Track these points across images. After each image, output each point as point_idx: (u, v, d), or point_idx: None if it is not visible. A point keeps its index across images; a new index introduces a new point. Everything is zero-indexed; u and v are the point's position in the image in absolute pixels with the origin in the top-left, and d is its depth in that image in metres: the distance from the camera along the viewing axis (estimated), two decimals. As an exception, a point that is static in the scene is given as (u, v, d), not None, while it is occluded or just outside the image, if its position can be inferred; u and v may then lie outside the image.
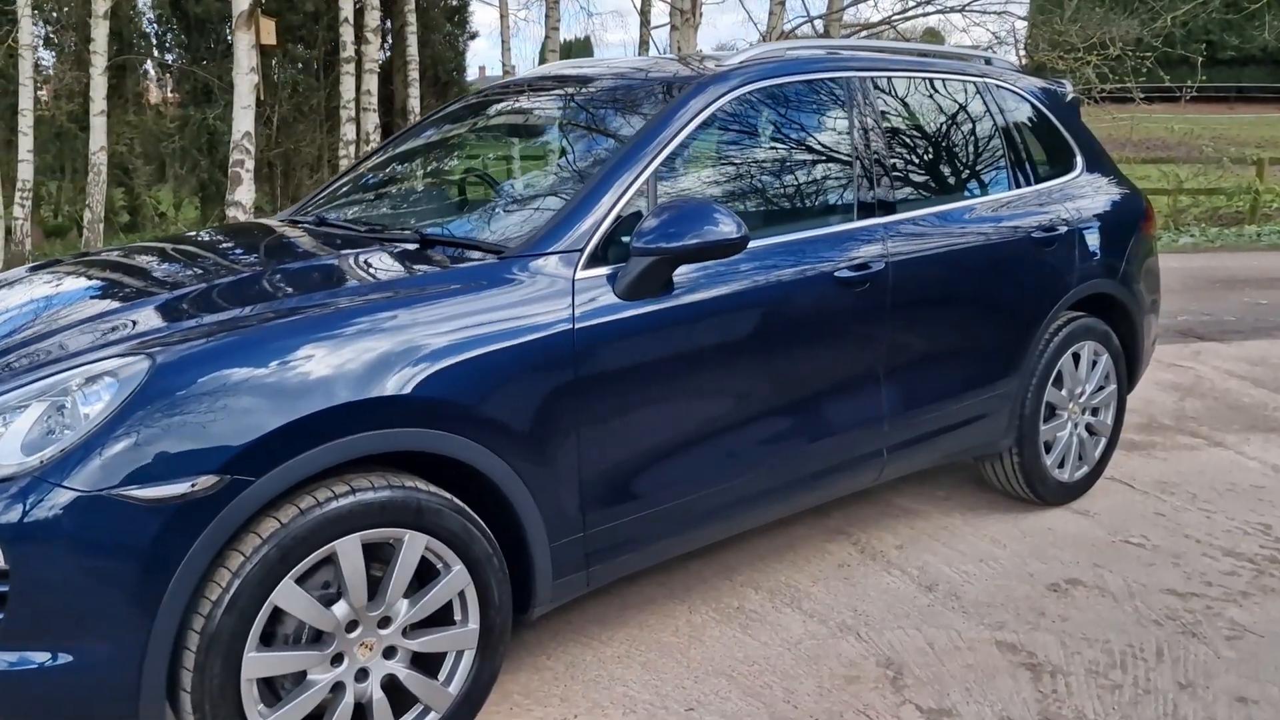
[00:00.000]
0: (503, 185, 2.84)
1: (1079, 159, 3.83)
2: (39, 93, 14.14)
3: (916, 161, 3.26)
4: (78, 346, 2.07)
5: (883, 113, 3.15)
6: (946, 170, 3.36)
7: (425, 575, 2.19)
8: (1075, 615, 2.97)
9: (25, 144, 10.87)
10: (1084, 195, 3.70)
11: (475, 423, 2.17)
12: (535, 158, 3.00)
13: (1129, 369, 3.95)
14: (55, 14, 13.43)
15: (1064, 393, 3.66)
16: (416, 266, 2.44)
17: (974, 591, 3.12)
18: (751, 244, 2.69)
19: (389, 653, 2.16)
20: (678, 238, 2.36)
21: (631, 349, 2.42)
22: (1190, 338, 6.81)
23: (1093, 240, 3.65)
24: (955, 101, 3.46)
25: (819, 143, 3.01)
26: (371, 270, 2.45)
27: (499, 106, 3.35)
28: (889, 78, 3.23)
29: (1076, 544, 3.46)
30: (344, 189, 3.27)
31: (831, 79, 3.05)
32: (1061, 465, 3.73)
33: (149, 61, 15.32)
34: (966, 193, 3.38)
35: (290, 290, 2.30)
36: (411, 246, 2.58)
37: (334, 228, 2.89)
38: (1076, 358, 3.67)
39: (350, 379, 2.00)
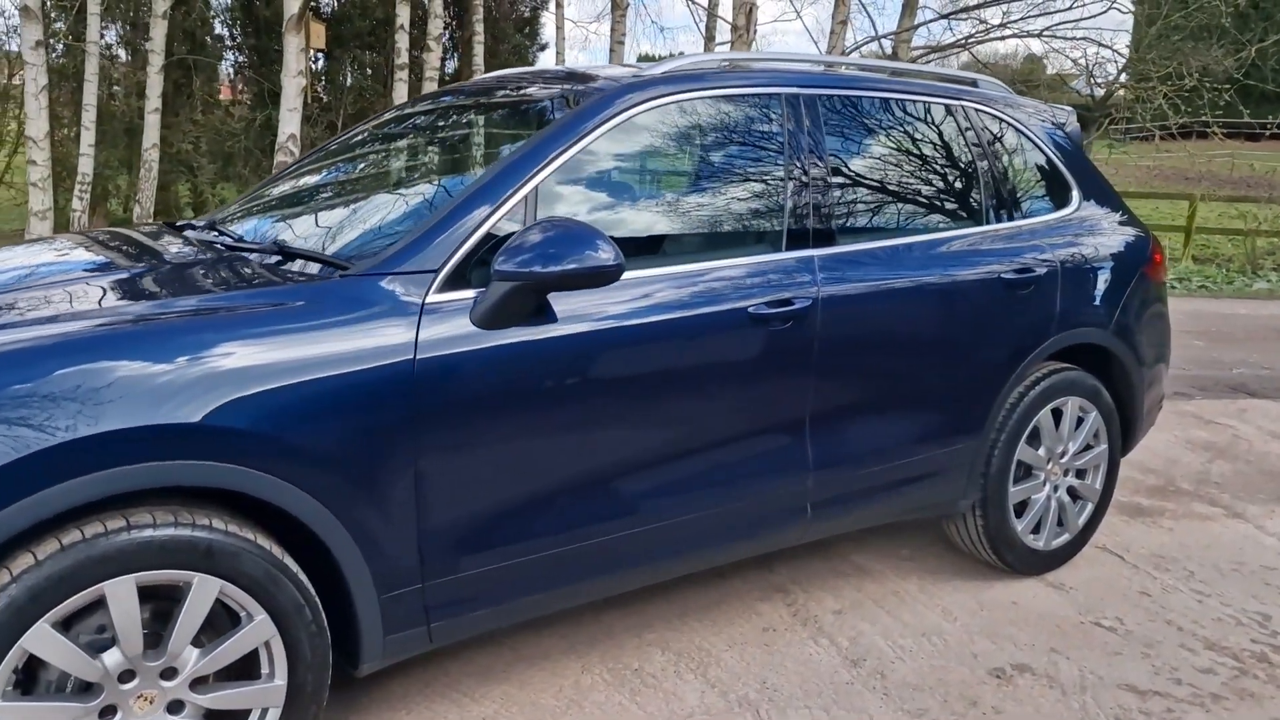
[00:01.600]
0: (380, 198, 2.63)
1: (1075, 193, 3.46)
2: (114, 89, 14.56)
3: (866, 190, 2.95)
4: None
5: (829, 135, 2.85)
6: (902, 201, 3.05)
7: (227, 623, 1.98)
8: (1010, 709, 2.62)
9: (87, 138, 11.10)
10: (1075, 234, 3.34)
11: (284, 459, 1.95)
12: (424, 170, 2.79)
13: (1124, 429, 3.56)
14: (132, 14, 13.75)
15: (1041, 452, 3.30)
16: (251, 281, 2.24)
17: (904, 671, 2.79)
18: (650, 271, 2.45)
19: (174, 707, 1.95)
20: (540, 263, 2.11)
21: (488, 384, 2.18)
22: (1240, 393, 6.29)
23: (1080, 284, 3.29)
24: (921, 126, 3.14)
25: (745, 164, 2.73)
26: (195, 283, 2.26)
27: (420, 117, 3.15)
28: (840, 96, 2.93)
29: (1039, 623, 3.10)
30: (259, 197, 3.10)
31: (766, 94, 2.76)
32: (1037, 531, 3.37)
33: (223, 62, 15.66)
34: (925, 227, 3.05)
35: (92, 302, 2.11)
36: (271, 259, 2.38)
37: (213, 235, 2.72)
38: (1058, 414, 3.31)
39: (126, 402, 1.80)
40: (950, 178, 3.17)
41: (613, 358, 2.34)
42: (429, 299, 2.14)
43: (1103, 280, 3.36)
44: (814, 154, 2.78)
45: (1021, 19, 14.10)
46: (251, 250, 2.46)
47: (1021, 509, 3.32)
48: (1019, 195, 3.28)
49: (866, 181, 2.95)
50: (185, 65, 13.61)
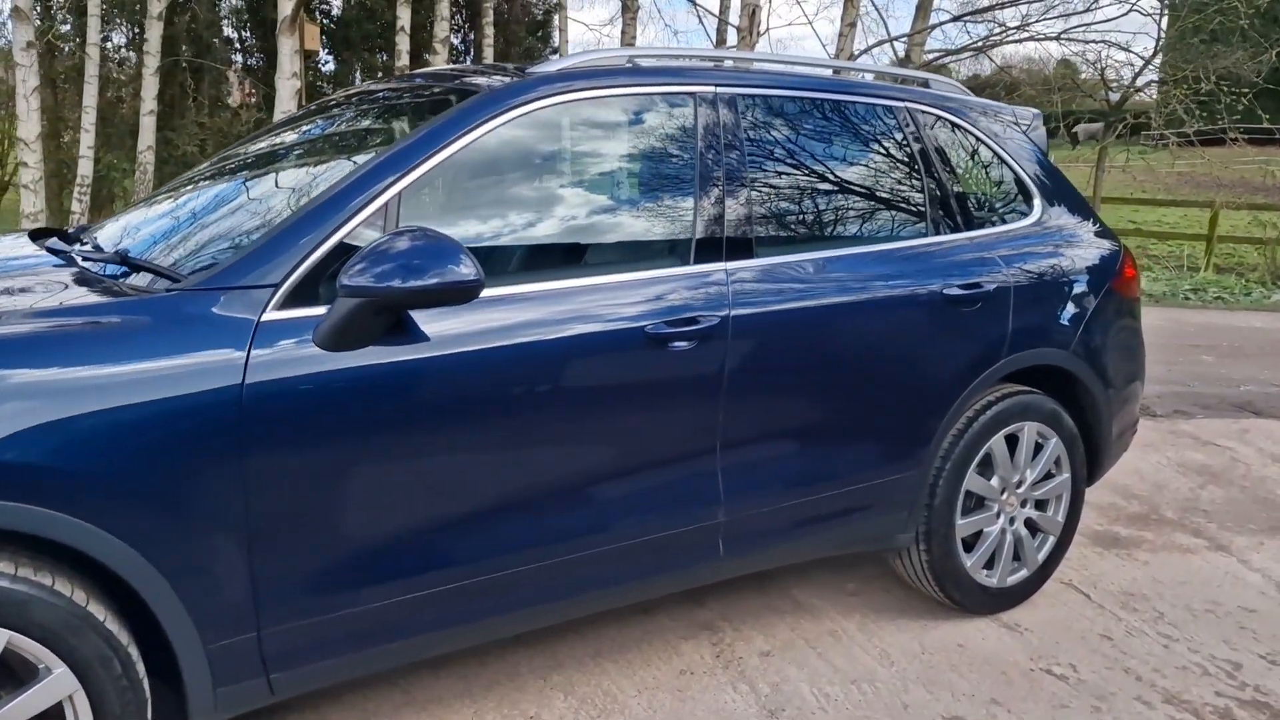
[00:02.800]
0: (246, 205, 2.42)
1: (1037, 202, 3.21)
2: (121, 91, 14.57)
3: (792, 198, 2.72)
4: None
5: (750, 137, 2.62)
6: (834, 211, 2.82)
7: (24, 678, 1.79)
8: (934, 771, 2.38)
9: (86, 140, 11.05)
10: (1033, 246, 3.08)
11: (84, 496, 1.75)
12: (294, 176, 2.57)
13: (1090, 456, 3.29)
14: (138, 16, 13.73)
15: (994, 481, 3.05)
16: (72, 295, 2.05)
17: (824, 724, 2.55)
18: (530, 287, 2.23)
19: (-37, 771, 1.75)
20: (388, 277, 1.91)
21: (331, 412, 1.97)
22: (1245, 412, 5.97)
23: (1037, 301, 3.03)
24: (857, 129, 2.90)
25: (649, 169, 2.52)
26: (8, 297, 2.07)
27: (312, 121, 2.95)
28: (764, 96, 2.70)
29: (984, 669, 2.84)
30: (141, 204, 2.92)
31: (676, 93, 2.54)
32: (990, 567, 3.12)
33: (233, 65, 15.62)
34: (859, 239, 2.82)
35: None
36: (112, 271, 2.19)
37: (69, 244, 2.53)
38: (1013, 440, 3.06)
39: None
40: (889, 186, 2.93)
41: (481, 382, 2.12)
42: (265, 316, 1.94)
43: (1064, 296, 3.10)
44: (731, 158, 2.55)
45: (1038, 21, 13.65)
46: (96, 261, 2.27)
47: (973, 543, 3.07)
48: (970, 205, 3.04)
49: (793, 189, 2.72)
50: (193, 70, 13.58)
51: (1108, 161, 12.93)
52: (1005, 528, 3.11)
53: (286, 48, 9.74)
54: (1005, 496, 3.09)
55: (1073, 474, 3.22)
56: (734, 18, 11.18)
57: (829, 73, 3.06)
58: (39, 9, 11.84)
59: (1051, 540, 3.24)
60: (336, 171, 2.24)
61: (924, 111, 3.00)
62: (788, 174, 2.72)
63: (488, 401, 2.13)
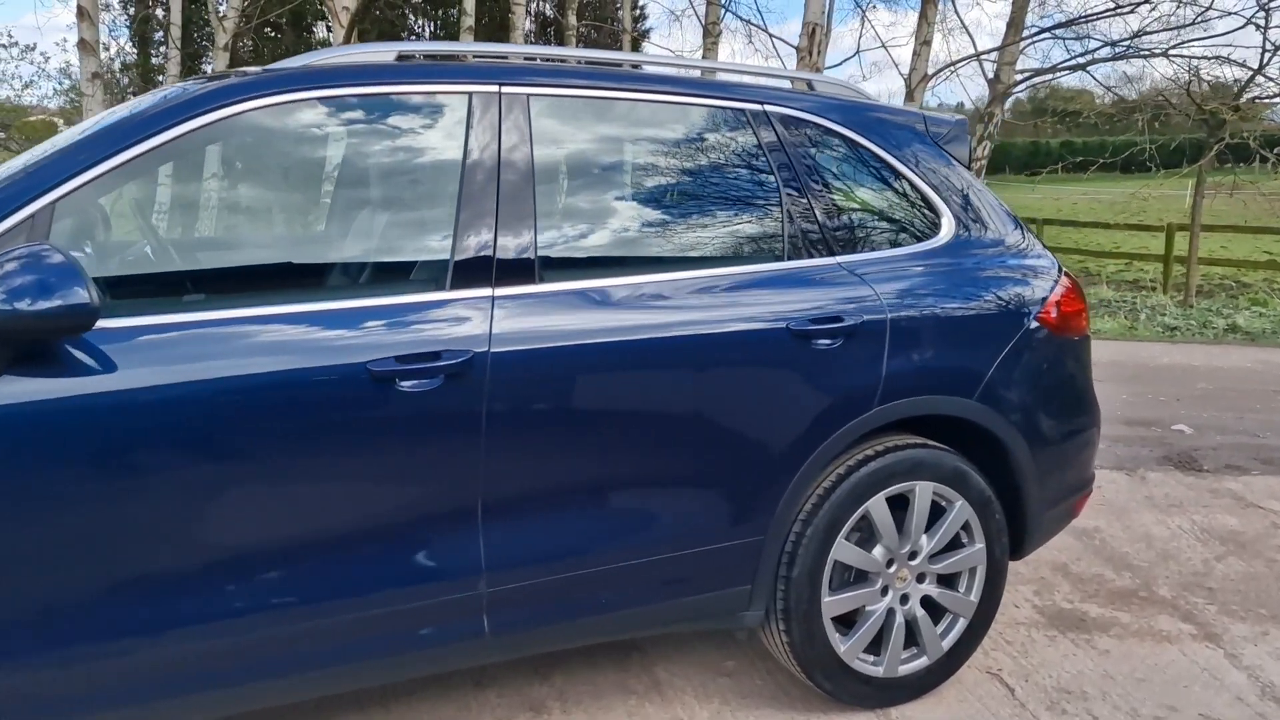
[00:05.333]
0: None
1: (946, 221, 2.72)
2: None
3: (596, 216, 2.34)
4: None
5: (540, 143, 2.26)
6: (652, 231, 2.42)
7: None
8: None
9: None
10: (925, 273, 2.60)
11: None
12: None
13: (1014, 524, 2.77)
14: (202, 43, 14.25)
15: (876, 551, 2.57)
16: None
17: (603, 841, 2.13)
18: (227, 313, 1.92)
19: None
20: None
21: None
22: (1315, 468, 5.16)
23: (926, 337, 2.55)
24: (689, 135, 2.49)
25: (398, 180, 2.18)
26: None
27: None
28: (565, 96, 2.33)
29: (837, 780, 2.37)
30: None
31: (444, 92, 2.20)
32: (875, 652, 2.63)
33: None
34: (685, 263, 2.40)
35: None
36: None
37: None
38: (904, 502, 2.58)
39: None
40: (732, 201, 2.50)
41: (142, 430, 1.82)
42: None
43: (966, 333, 2.61)
44: (514, 167, 2.19)
45: (1142, 34, 12.65)
46: None
47: (847, 625, 2.59)
48: (844, 225, 2.58)
49: (600, 205, 2.35)
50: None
51: (1205, 186, 11.83)
52: (894, 607, 2.62)
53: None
54: (893, 570, 2.61)
55: (988, 545, 2.70)
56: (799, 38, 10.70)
57: (660, 72, 2.65)
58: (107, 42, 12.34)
59: (961, 623, 2.72)
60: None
61: (790, 116, 2.57)
62: (594, 187, 2.34)
63: (155, 450, 1.83)
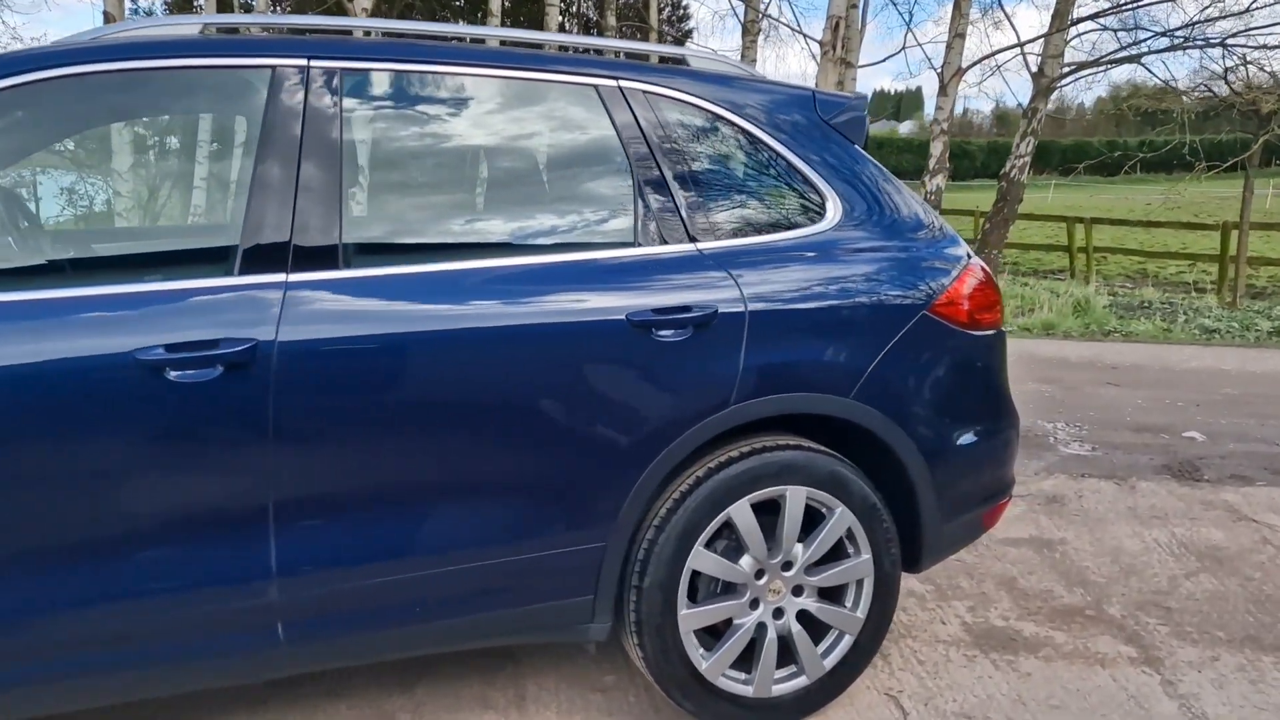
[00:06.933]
0: None
1: (832, 205, 2.52)
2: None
3: (417, 199, 2.20)
4: None
5: (355, 122, 2.12)
6: (482, 216, 2.27)
7: None
8: None
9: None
10: (796, 261, 2.40)
11: None
12: None
13: (907, 533, 2.55)
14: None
15: (744, 562, 2.38)
16: None
17: None
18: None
19: None
20: None
21: None
22: (1329, 478, 4.78)
23: (793, 329, 2.35)
24: (527, 111, 2.32)
25: (190, 161, 2.05)
26: None
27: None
28: (386, 71, 2.18)
29: (677, 808, 2.18)
30: None
31: (241, 67, 2.07)
32: (744, 670, 2.44)
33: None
34: (518, 249, 2.24)
35: None
36: None
37: None
38: (775, 508, 2.38)
39: None
40: (574, 184, 2.34)
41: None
42: None
43: (841, 325, 2.40)
44: (319, 145, 2.06)
45: (1200, 23, 12.04)
46: None
47: (711, 640, 2.41)
48: (713, 210, 2.39)
49: (421, 186, 2.21)
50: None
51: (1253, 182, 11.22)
52: (767, 621, 2.43)
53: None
54: (765, 581, 2.41)
55: (875, 556, 2.49)
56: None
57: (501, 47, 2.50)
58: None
59: (847, 640, 2.51)
60: None
61: (650, 93, 2.39)
62: (417, 169, 2.20)
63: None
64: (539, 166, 2.35)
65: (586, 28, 18.94)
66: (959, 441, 2.57)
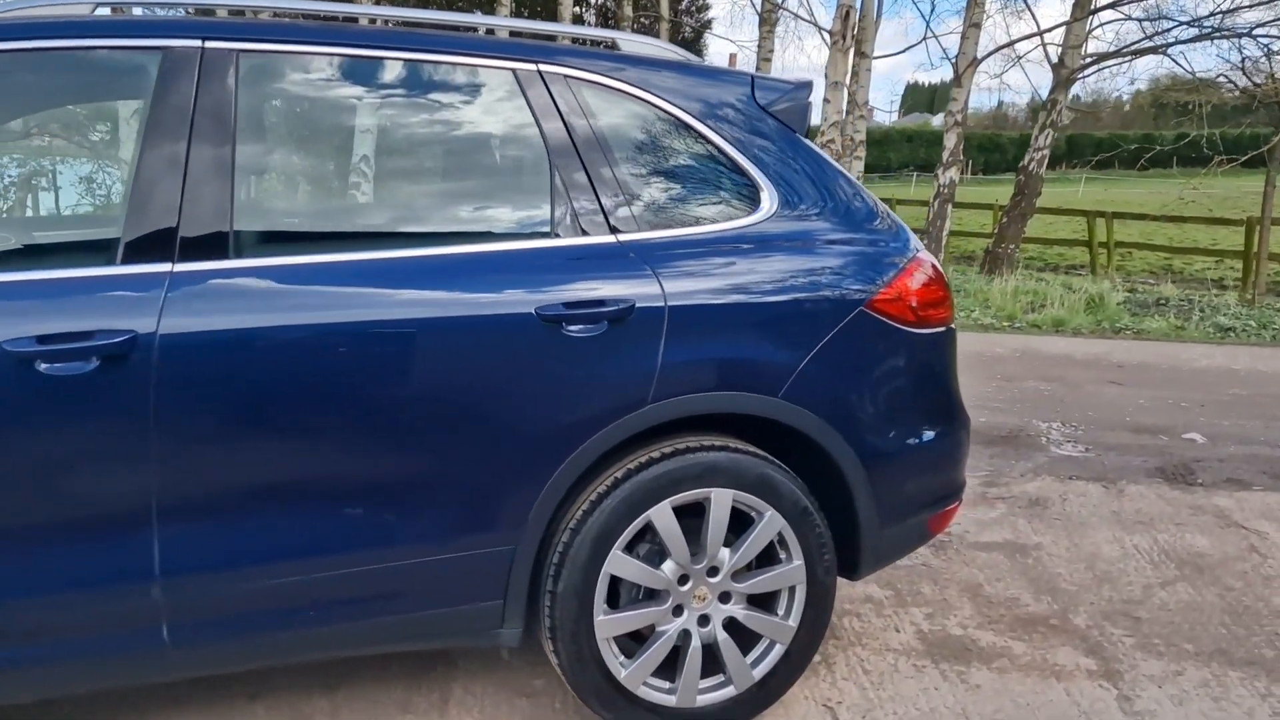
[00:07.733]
0: None
1: (767, 196, 2.41)
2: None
3: (315, 188, 2.12)
4: None
5: (252, 106, 2.04)
6: (386, 206, 2.19)
7: None
8: None
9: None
10: (723, 253, 2.30)
11: None
12: None
13: (843, 538, 2.44)
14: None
15: (667, 567, 2.28)
16: None
17: None
18: None
19: None
20: None
21: None
22: (1328, 483, 4.61)
23: (716, 325, 2.25)
24: (442, 101, 2.23)
25: (75, 148, 1.98)
26: None
27: None
28: (284, 53, 2.10)
29: (583, 823, 2.10)
30: None
31: (127, 48, 1.99)
32: (668, 679, 2.34)
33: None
34: (414, 240, 2.16)
35: None
36: None
37: None
38: (699, 511, 2.29)
39: None
40: (491, 174, 2.26)
41: None
42: None
43: (770, 321, 2.30)
44: (206, 132, 1.98)
45: (1228, 11, 11.70)
46: None
47: (633, 647, 2.32)
48: (636, 200, 2.28)
49: (317, 175, 2.13)
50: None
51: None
52: (691, 629, 2.33)
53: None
54: (689, 587, 2.32)
55: (807, 562, 2.38)
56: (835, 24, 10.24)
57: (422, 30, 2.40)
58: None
59: (778, 649, 2.41)
60: None
61: (571, 77, 2.29)
62: (316, 156, 2.13)
63: None
64: (450, 154, 2.26)
65: (604, 18, 18.84)
66: (901, 444, 2.46)
